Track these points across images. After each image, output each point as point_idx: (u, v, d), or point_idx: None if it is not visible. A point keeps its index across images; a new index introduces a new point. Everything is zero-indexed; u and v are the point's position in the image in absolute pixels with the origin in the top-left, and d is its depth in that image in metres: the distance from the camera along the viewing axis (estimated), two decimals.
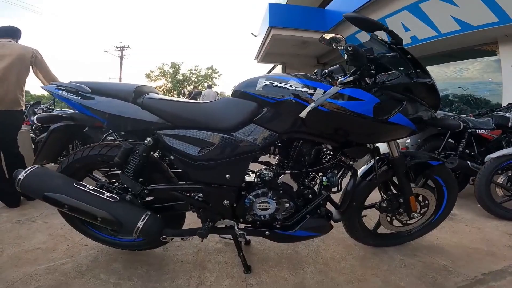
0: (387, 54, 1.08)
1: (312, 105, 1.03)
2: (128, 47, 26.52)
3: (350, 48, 1.00)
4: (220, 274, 1.24)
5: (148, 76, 31.38)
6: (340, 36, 1.27)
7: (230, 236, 1.33)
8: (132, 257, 1.37)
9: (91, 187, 1.12)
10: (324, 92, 1.05)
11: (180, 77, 31.40)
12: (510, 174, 1.98)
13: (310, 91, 1.06)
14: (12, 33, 2.25)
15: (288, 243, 1.47)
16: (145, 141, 1.12)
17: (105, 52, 27.00)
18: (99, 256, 1.38)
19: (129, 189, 1.15)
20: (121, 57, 26.50)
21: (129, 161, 1.13)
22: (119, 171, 1.20)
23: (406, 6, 4.51)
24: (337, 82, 1.20)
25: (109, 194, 1.11)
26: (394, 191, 1.35)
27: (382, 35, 1.17)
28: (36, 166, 1.15)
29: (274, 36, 6.46)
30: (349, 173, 1.26)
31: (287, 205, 1.14)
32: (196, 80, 31.96)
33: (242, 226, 1.22)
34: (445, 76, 5.43)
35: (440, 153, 2.35)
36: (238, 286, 1.16)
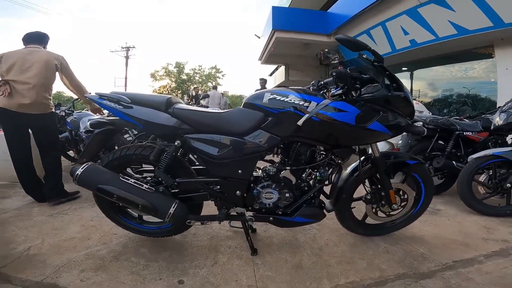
0: (364, 76, 1.31)
1: (307, 115, 1.27)
2: (134, 47, 26.66)
3: (334, 74, 1.24)
4: (231, 256, 1.48)
5: (152, 75, 31.51)
6: (334, 51, 1.49)
7: (239, 224, 1.57)
8: (156, 243, 1.61)
9: (132, 180, 1.36)
10: (317, 104, 1.28)
11: (184, 77, 31.54)
12: (491, 173, 2.17)
13: (306, 104, 1.29)
14: (40, 38, 2.37)
15: (289, 228, 1.71)
16: (175, 143, 1.36)
17: (111, 52, 27.23)
18: (128, 243, 1.63)
19: (162, 182, 1.39)
20: (127, 57, 26.77)
21: (161, 159, 1.38)
22: (150, 168, 1.44)
23: (405, 10, 4.68)
24: (330, 93, 1.43)
25: (146, 186, 1.35)
26: (379, 186, 1.57)
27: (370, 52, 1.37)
28: (90, 163, 1.38)
29: (278, 39, 6.66)
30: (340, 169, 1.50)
31: (287, 195, 1.38)
32: (200, 80, 32.11)
33: (250, 213, 1.45)
34: (450, 75, 5.52)
35: (429, 153, 2.56)
36: (247, 265, 1.39)
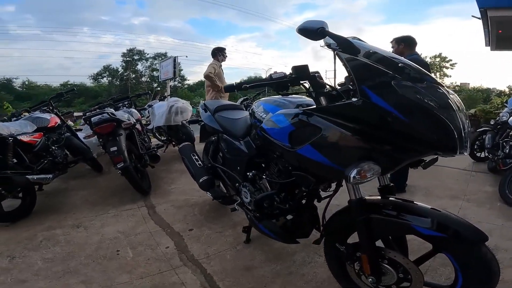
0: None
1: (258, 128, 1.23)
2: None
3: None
4: (233, 235, 1.95)
5: None
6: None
7: None
8: (210, 207, 2.39)
9: (196, 157, 2.14)
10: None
11: None
12: None
13: (264, 115, 1.21)
14: (212, 54, 3.87)
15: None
16: (212, 139, 2.06)
17: (321, 47, 30.70)
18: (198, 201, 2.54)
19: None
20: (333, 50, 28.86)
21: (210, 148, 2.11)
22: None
23: None
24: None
25: (199, 162, 2.04)
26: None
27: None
28: (186, 143, 2.37)
29: (494, 19, 4.50)
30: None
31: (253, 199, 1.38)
32: None
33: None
34: None
35: None
36: (228, 244, 1.83)
